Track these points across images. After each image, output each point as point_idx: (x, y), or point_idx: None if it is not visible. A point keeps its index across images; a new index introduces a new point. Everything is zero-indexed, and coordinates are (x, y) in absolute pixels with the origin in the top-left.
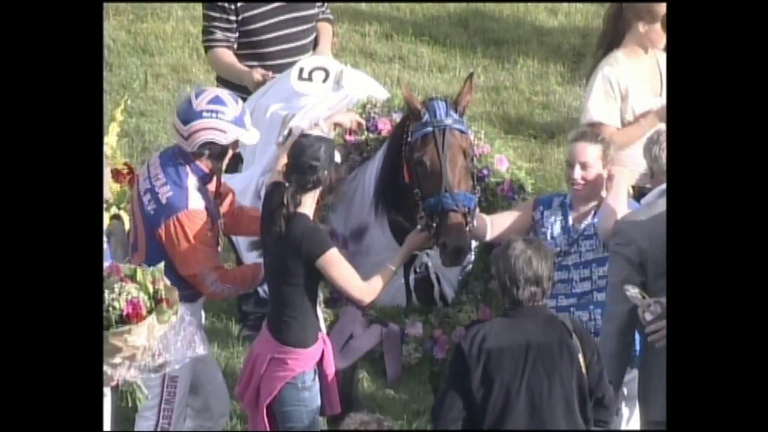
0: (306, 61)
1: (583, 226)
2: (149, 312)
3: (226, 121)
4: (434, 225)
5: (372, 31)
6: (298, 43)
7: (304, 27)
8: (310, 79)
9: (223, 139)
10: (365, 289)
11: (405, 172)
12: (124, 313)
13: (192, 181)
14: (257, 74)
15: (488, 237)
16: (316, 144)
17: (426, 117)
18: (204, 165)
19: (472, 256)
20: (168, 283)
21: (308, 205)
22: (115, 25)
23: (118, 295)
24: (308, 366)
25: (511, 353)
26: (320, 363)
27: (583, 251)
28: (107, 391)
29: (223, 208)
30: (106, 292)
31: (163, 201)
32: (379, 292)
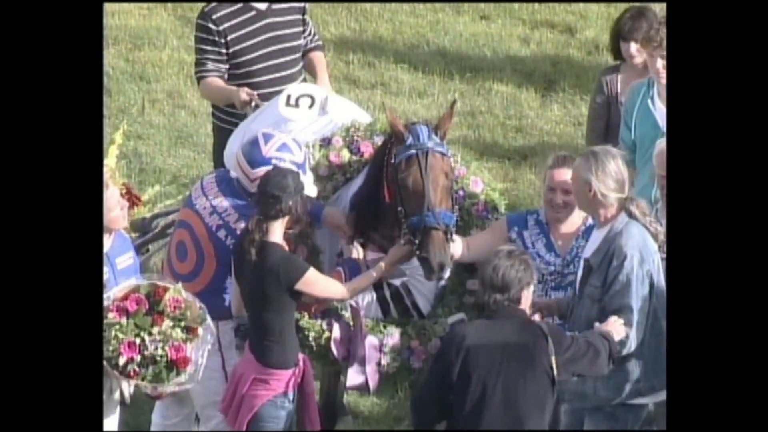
0: (293, 88)
1: (572, 245)
2: (185, 342)
3: (291, 167)
4: (417, 241)
5: (355, 59)
6: (286, 73)
7: (292, 57)
8: (297, 105)
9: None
10: (345, 291)
11: (386, 192)
12: (171, 359)
13: (247, 210)
14: (244, 93)
15: (464, 258)
16: (281, 174)
17: (410, 140)
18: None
19: (447, 272)
20: (187, 297)
21: (277, 233)
22: (114, 54)
23: (161, 343)
24: (289, 387)
25: (488, 351)
26: (300, 383)
27: (575, 270)
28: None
29: None
30: (144, 335)
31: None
32: (358, 291)
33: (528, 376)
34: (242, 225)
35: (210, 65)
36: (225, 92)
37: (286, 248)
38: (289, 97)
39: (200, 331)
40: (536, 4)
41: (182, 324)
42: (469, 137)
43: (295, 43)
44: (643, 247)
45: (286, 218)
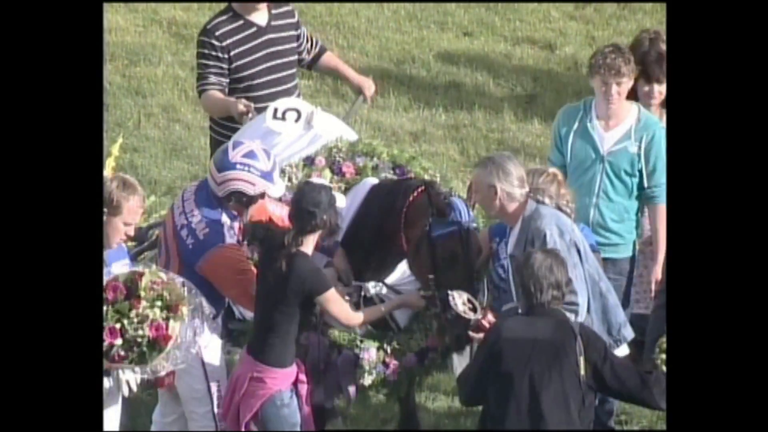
0: (280, 102)
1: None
2: (166, 321)
3: (256, 175)
4: (450, 312)
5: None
6: (284, 87)
7: (290, 72)
8: (283, 118)
9: (251, 191)
10: (355, 319)
11: (404, 242)
12: (151, 337)
13: (226, 221)
14: (241, 105)
15: None
16: (315, 190)
17: (451, 215)
18: (234, 209)
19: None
20: (165, 278)
21: (309, 245)
22: (111, 70)
23: (139, 324)
24: (285, 385)
25: (520, 345)
26: (295, 385)
27: None
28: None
29: None
30: (124, 321)
31: (201, 237)
32: (366, 322)
33: (554, 372)
34: (204, 227)
35: (212, 78)
36: (224, 104)
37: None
38: (276, 110)
39: (183, 308)
40: (518, 22)
41: (160, 304)
42: (453, 150)
43: (292, 58)
44: (558, 221)
45: (319, 232)
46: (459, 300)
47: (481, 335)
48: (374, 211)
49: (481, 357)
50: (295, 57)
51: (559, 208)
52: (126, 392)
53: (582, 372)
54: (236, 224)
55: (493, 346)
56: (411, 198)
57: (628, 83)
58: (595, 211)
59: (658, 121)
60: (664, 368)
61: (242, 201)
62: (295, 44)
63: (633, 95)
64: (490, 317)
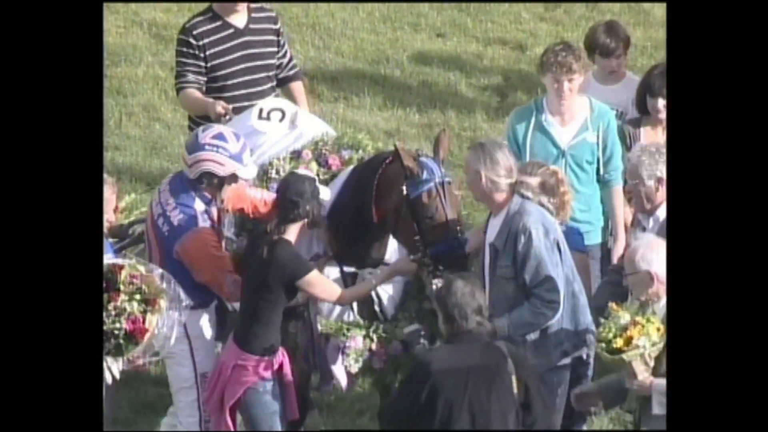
0: (265, 102)
1: None
2: (144, 314)
3: (224, 155)
4: (441, 266)
5: (319, 74)
6: (260, 88)
7: (266, 74)
8: (268, 118)
9: (221, 171)
10: (345, 296)
11: (374, 213)
12: (128, 330)
13: (200, 206)
14: (219, 107)
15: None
16: (300, 180)
17: (424, 174)
18: (208, 192)
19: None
20: (144, 271)
21: (291, 233)
22: None
23: (117, 317)
24: (267, 373)
25: (454, 374)
26: (279, 373)
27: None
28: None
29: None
30: (104, 314)
31: (175, 223)
32: (355, 298)
33: (492, 396)
34: (177, 214)
35: (190, 77)
36: (202, 104)
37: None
38: (261, 110)
39: (161, 302)
40: (489, 23)
41: (138, 297)
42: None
43: (269, 62)
44: (544, 220)
45: (302, 222)
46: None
47: None
48: (350, 191)
49: (412, 393)
50: (273, 60)
51: (541, 205)
52: (109, 380)
53: (515, 390)
54: (212, 209)
55: (425, 381)
56: (381, 170)
57: (579, 79)
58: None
59: (609, 109)
60: (606, 354)
61: (213, 183)
62: (274, 48)
63: (644, 109)
64: None
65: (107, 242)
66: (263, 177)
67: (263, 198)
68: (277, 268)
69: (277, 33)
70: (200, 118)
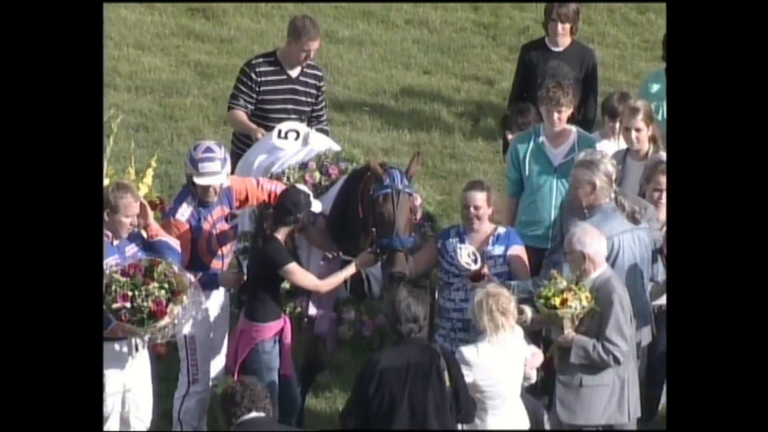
0: (284, 125)
1: (484, 249)
2: (168, 303)
3: (188, 159)
4: (384, 257)
5: (330, 104)
6: (301, 116)
7: (300, 116)
8: (286, 137)
9: (186, 170)
10: (320, 285)
11: (360, 211)
12: (152, 310)
13: (187, 200)
14: (259, 134)
15: (413, 272)
16: (297, 193)
17: (387, 181)
18: (194, 192)
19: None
20: (177, 270)
21: (281, 233)
22: (150, 100)
23: (146, 297)
24: (266, 337)
25: (396, 371)
26: (281, 336)
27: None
28: (145, 353)
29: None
30: (135, 291)
31: (167, 210)
32: (331, 287)
33: (428, 388)
34: (170, 202)
35: (242, 102)
36: (246, 126)
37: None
38: (280, 131)
39: (184, 297)
40: (465, 63)
41: (167, 287)
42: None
43: (305, 108)
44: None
45: (292, 226)
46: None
47: (479, 283)
48: (344, 194)
49: (362, 389)
50: (309, 108)
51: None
52: (134, 353)
53: (448, 384)
54: (208, 214)
55: (372, 378)
56: (365, 177)
57: (567, 111)
58: (554, 211)
59: (592, 137)
60: (544, 308)
61: (188, 180)
62: (312, 99)
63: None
64: (486, 269)
65: (113, 246)
66: None
67: (275, 190)
68: (265, 259)
69: (318, 88)
70: (243, 136)
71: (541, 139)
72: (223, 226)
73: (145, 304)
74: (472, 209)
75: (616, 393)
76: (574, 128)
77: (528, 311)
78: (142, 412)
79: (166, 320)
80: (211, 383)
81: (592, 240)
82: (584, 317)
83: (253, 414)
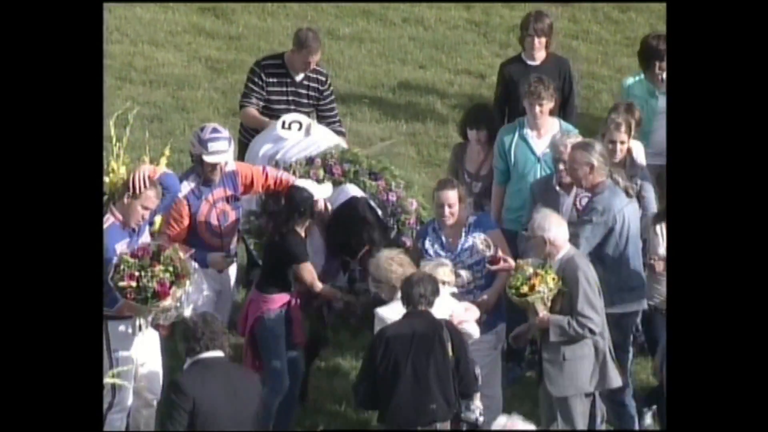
0: (287, 116)
1: (459, 241)
2: (171, 285)
3: (195, 139)
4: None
5: None
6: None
7: (305, 109)
8: (289, 128)
9: (193, 150)
10: (317, 286)
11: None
12: (156, 290)
13: (190, 178)
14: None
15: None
16: (303, 191)
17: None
18: (199, 172)
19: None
20: (182, 256)
21: (301, 227)
22: (163, 93)
23: (151, 278)
24: (272, 307)
25: (401, 340)
26: (288, 308)
27: (465, 259)
28: (153, 331)
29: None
30: (142, 272)
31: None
32: (327, 294)
33: (430, 358)
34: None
35: (253, 99)
36: (259, 121)
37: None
38: (284, 122)
39: (187, 282)
40: (458, 58)
41: (171, 271)
42: (411, 151)
43: (308, 110)
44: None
45: (306, 220)
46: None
47: (497, 266)
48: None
49: (371, 356)
50: (310, 108)
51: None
52: (137, 331)
53: (450, 354)
54: (202, 188)
55: (380, 345)
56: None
57: (548, 104)
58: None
59: (573, 128)
60: (515, 297)
61: (195, 160)
62: (313, 100)
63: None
64: (500, 253)
65: (123, 231)
66: None
67: (280, 177)
68: (284, 252)
69: (320, 91)
70: (253, 130)
71: (525, 130)
72: (225, 206)
73: (150, 284)
74: (446, 207)
75: (598, 362)
76: (556, 120)
77: (463, 274)
78: (153, 385)
79: (168, 301)
80: None
81: (551, 225)
82: (555, 298)
83: (211, 353)
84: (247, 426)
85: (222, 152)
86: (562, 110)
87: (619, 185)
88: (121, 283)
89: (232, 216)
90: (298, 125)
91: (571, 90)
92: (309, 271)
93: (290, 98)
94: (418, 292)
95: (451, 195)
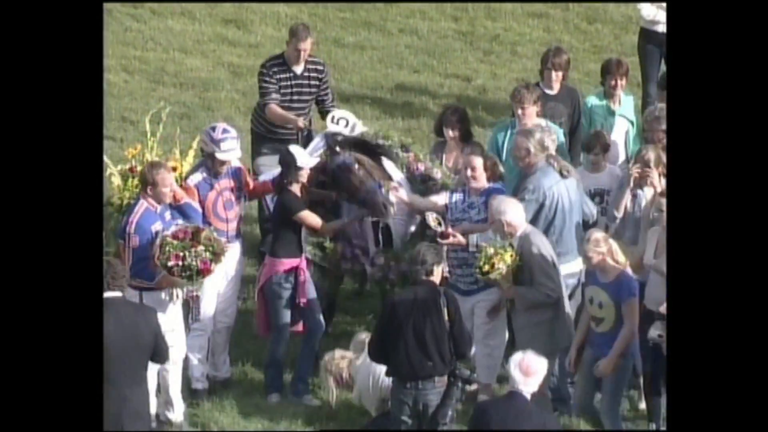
0: (336, 112)
1: (472, 200)
2: (211, 263)
3: (208, 139)
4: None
5: (338, 97)
6: (300, 111)
7: (306, 105)
8: (337, 123)
9: (206, 149)
10: (323, 227)
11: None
12: (199, 268)
13: (200, 170)
14: (301, 122)
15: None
16: (288, 152)
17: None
18: (210, 165)
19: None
20: (216, 236)
21: (294, 186)
22: (191, 94)
23: (195, 257)
24: (280, 270)
25: (403, 304)
26: (296, 274)
27: (473, 216)
28: (178, 307)
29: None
30: (186, 253)
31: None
32: (332, 230)
33: (428, 320)
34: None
35: (273, 95)
36: (287, 118)
37: (298, 197)
38: (333, 117)
39: (223, 258)
40: (447, 63)
41: (210, 250)
42: (406, 144)
43: (309, 98)
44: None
45: (296, 179)
46: (431, 217)
47: (447, 242)
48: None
49: (381, 321)
50: (311, 97)
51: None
52: (176, 300)
53: (446, 318)
54: (212, 179)
55: (387, 310)
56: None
57: (530, 107)
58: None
59: (558, 128)
60: (480, 275)
61: (206, 155)
62: (315, 90)
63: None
64: (450, 230)
65: (156, 214)
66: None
67: (261, 183)
68: (282, 207)
69: (319, 79)
70: (270, 126)
71: (517, 128)
72: (230, 195)
73: (194, 263)
74: (469, 171)
75: (560, 323)
76: (543, 122)
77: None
78: (179, 345)
79: (207, 277)
80: (219, 325)
81: (507, 208)
82: (515, 272)
83: (109, 293)
84: (140, 356)
85: (232, 150)
86: (572, 132)
87: (553, 166)
88: (169, 263)
89: (235, 204)
90: (345, 122)
91: (580, 116)
92: (308, 216)
93: (294, 90)
94: (418, 262)
95: (477, 161)
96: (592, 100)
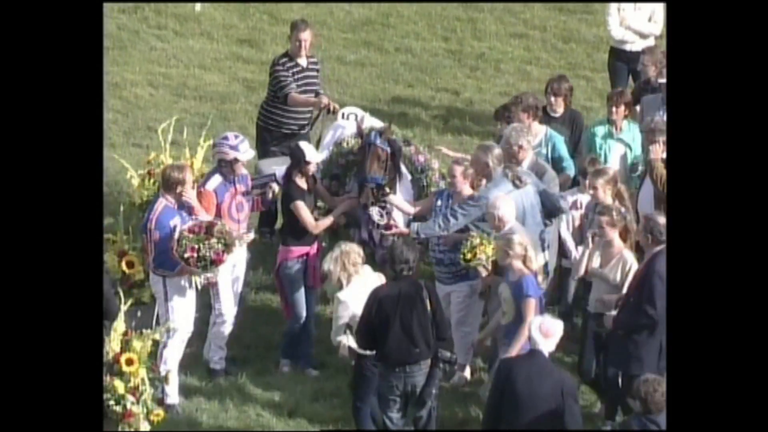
0: (345, 109)
1: (455, 207)
2: (224, 254)
3: (226, 147)
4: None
5: (340, 107)
6: (311, 93)
7: (314, 86)
8: (347, 118)
9: (227, 157)
10: (313, 226)
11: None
12: (213, 259)
13: (215, 176)
14: (325, 99)
15: (415, 212)
16: (298, 147)
17: (367, 138)
18: (226, 171)
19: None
20: (228, 229)
21: (298, 178)
22: (210, 106)
23: (209, 249)
24: (290, 256)
25: (390, 299)
26: (306, 257)
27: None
28: (192, 294)
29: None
30: (201, 245)
31: (199, 183)
32: (320, 228)
33: (413, 312)
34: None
35: (292, 85)
36: (310, 102)
37: (303, 188)
38: (343, 113)
39: (234, 249)
40: (438, 78)
41: (223, 242)
42: (407, 138)
43: (313, 87)
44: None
45: (302, 172)
46: (374, 211)
47: (390, 231)
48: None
49: (366, 314)
50: (317, 86)
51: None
52: (194, 286)
53: (429, 310)
54: (230, 185)
55: (373, 304)
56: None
57: (521, 115)
58: None
59: (557, 135)
60: (463, 263)
61: (226, 165)
62: (317, 80)
63: None
64: (392, 222)
65: (174, 209)
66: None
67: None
68: (284, 195)
69: (317, 71)
70: (268, 118)
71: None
72: (241, 199)
73: (208, 254)
74: (450, 177)
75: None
76: (545, 128)
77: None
78: (190, 326)
79: (221, 267)
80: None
81: (501, 204)
82: (494, 262)
83: None
84: None
85: (249, 150)
86: (573, 152)
87: (507, 177)
88: (186, 255)
89: (245, 206)
90: (354, 116)
91: (580, 137)
92: (302, 210)
93: (304, 81)
94: (401, 260)
95: (458, 169)
96: (597, 125)
